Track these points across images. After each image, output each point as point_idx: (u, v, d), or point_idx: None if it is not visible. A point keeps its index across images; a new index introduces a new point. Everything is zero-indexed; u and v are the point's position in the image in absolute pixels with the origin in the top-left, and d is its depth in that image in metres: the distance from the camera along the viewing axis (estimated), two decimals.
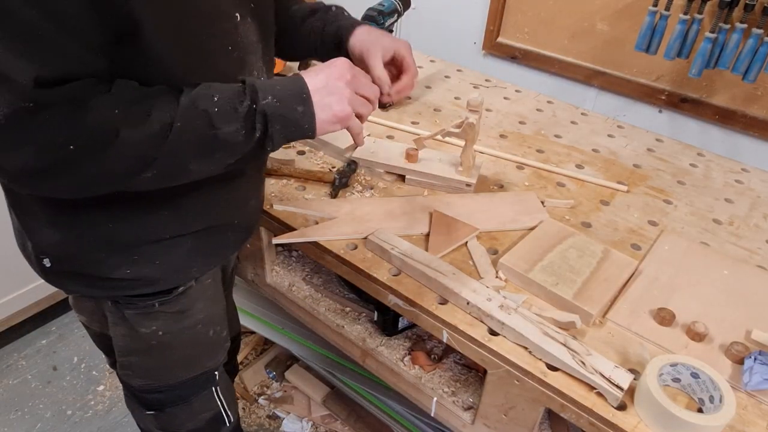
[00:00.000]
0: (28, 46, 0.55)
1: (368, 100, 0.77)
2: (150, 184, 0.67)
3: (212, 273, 0.92)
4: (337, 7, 0.97)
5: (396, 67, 0.92)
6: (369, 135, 1.23)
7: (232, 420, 1.08)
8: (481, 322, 0.85)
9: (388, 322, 1.07)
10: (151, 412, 0.98)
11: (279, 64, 1.48)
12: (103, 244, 0.76)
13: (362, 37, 0.91)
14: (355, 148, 0.84)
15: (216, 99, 0.64)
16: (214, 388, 1.01)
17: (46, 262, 0.79)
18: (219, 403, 1.03)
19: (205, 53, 0.68)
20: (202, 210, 0.80)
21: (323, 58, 0.89)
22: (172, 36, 0.63)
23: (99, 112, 0.59)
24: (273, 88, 0.68)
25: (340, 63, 0.74)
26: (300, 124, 0.69)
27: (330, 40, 0.93)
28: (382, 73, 0.87)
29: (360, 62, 0.88)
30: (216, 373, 1.00)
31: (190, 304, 0.89)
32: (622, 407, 0.75)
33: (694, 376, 0.75)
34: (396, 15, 1.31)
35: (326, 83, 0.71)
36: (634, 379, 0.76)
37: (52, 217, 0.75)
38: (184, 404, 0.98)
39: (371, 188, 1.12)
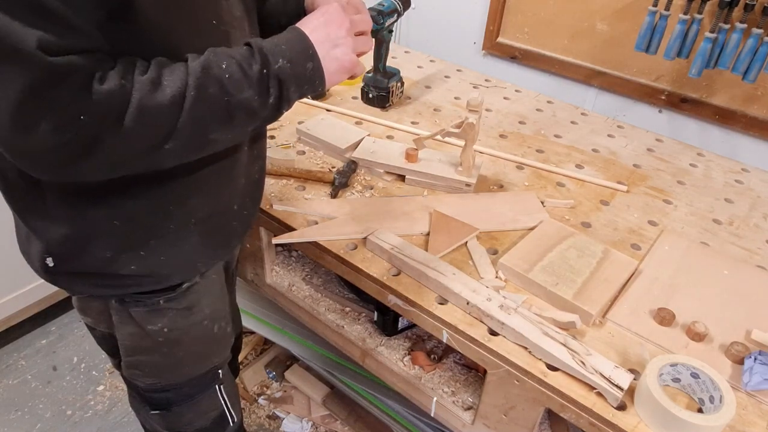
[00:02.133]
0: (35, 17, 0.54)
1: (365, 33, 0.78)
2: (176, 157, 0.67)
3: (216, 269, 0.92)
4: None
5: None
6: (369, 135, 1.23)
7: (236, 420, 1.08)
8: (481, 322, 0.85)
9: (388, 322, 1.07)
10: (157, 412, 0.98)
11: None
12: (109, 240, 0.76)
13: None
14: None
15: (224, 66, 0.64)
16: (218, 387, 1.01)
17: (50, 262, 0.78)
18: (223, 402, 1.03)
19: (192, 28, 0.68)
20: (200, 193, 0.80)
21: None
22: (162, 12, 0.63)
23: (111, 83, 0.59)
24: (281, 49, 0.68)
25: (334, 10, 0.73)
26: (312, 80, 0.70)
27: (293, 12, 0.90)
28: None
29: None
30: (221, 371, 1.00)
31: (196, 300, 0.89)
32: (622, 407, 0.75)
33: (694, 376, 0.75)
34: (396, 15, 1.31)
35: (328, 34, 0.71)
36: (634, 379, 0.76)
37: (58, 214, 0.74)
38: (191, 402, 0.98)
39: (371, 188, 1.12)
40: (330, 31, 0.72)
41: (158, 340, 0.87)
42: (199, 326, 0.91)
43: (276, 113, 0.71)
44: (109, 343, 0.94)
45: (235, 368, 1.38)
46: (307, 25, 0.72)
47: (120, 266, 0.78)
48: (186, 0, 0.66)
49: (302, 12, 0.87)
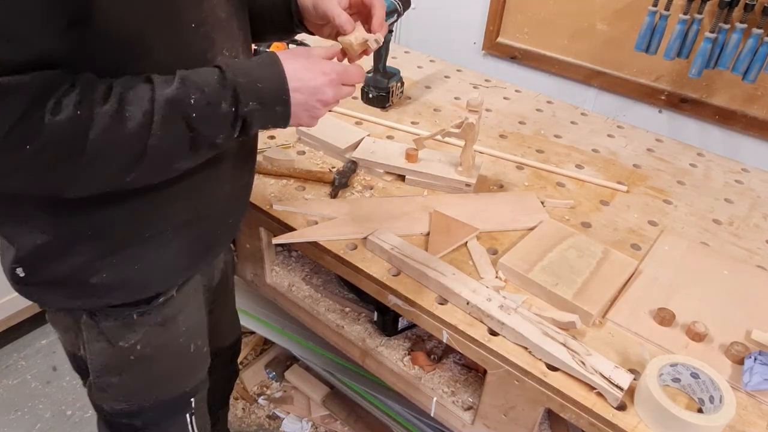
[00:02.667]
0: None
1: (353, 83, 0.75)
2: (138, 183, 0.65)
3: (194, 284, 0.88)
4: None
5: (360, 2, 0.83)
6: (369, 135, 1.23)
7: None
8: (481, 322, 0.85)
9: (388, 322, 1.07)
10: None
11: None
12: (82, 247, 0.72)
13: None
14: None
15: (193, 101, 0.62)
16: (189, 416, 0.94)
17: (20, 272, 0.74)
18: None
19: (167, 30, 0.63)
20: (181, 200, 0.76)
21: (282, 33, 0.88)
22: (130, 13, 0.58)
23: (65, 114, 0.55)
24: (255, 88, 0.65)
25: (315, 59, 0.71)
26: (276, 121, 0.70)
27: (282, 6, 0.86)
28: (346, 20, 0.78)
29: (316, 15, 0.81)
30: (193, 400, 0.94)
31: (172, 315, 0.84)
32: (622, 407, 0.75)
33: (694, 376, 0.75)
34: (396, 15, 1.31)
35: (308, 87, 0.69)
36: (634, 379, 0.76)
37: (34, 221, 0.70)
38: (156, 430, 0.91)
39: (371, 188, 1.12)
40: (312, 83, 0.69)
41: (130, 358, 0.82)
42: (174, 343, 0.86)
43: (236, 141, 0.70)
44: (78, 362, 0.88)
45: (234, 372, 1.36)
46: (291, 63, 0.69)
47: (92, 275, 0.73)
48: (161, 2, 0.62)
49: (293, 5, 0.84)
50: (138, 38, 0.61)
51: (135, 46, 0.61)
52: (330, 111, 0.77)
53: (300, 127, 1.23)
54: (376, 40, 0.78)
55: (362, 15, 0.82)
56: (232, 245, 1.20)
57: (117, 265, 0.74)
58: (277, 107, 0.68)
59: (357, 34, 0.77)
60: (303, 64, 0.69)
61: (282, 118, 0.69)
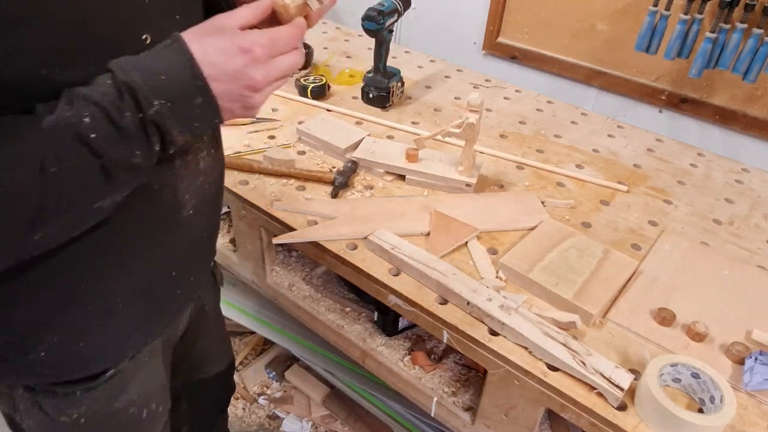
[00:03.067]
0: None
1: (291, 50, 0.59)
2: (54, 241, 0.54)
3: (151, 346, 0.77)
4: None
5: None
6: (369, 135, 1.23)
7: None
8: (482, 322, 0.85)
9: (388, 322, 1.07)
10: None
11: None
12: (9, 318, 0.61)
13: None
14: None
15: (88, 119, 0.49)
16: None
17: None
18: None
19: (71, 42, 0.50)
20: (126, 262, 0.64)
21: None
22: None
23: None
24: (157, 83, 0.51)
25: (229, 33, 0.55)
26: (203, 118, 0.55)
27: None
28: None
29: None
30: None
31: (121, 386, 0.74)
32: (622, 407, 0.75)
33: (695, 376, 0.75)
34: (396, 15, 1.31)
35: (227, 71, 0.54)
36: (635, 379, 0.76)
37: None
38: None
39: (371, 188, 1.12)
40: (233, 66, 0.54)
41: (73, 431, 0.73)
42: (124, 413, 0.76)
43: (165, 155, 0.57)
44: (16, 427, 0.77)
45: (231, 387, 1.25)
46: (198, 43, 0.54)
47: (26, 351, 0.63)
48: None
49: None
50: (20, 53, 0.48)
51: (21, 67, 0.49)
52: (276, 92, 0.64)
53: (299, 127, 1.24)
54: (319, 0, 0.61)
55: None
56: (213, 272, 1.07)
57: (54, 342, 0.64)
58: (196, 99, 0.53)
59: None
60: (214, 42, 0.54)
61: (209, 112, 0.55)
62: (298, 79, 1.41)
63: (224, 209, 1.34)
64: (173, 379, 0.98)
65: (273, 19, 0.61)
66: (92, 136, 0.50)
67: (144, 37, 0.56)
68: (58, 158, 0.49)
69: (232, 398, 1.29)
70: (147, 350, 0.77)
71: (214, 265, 1.00)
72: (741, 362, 0.80)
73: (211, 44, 0.54)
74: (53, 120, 0.49)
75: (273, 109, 1.35)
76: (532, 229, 1.02)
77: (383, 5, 1.27)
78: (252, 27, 0.58)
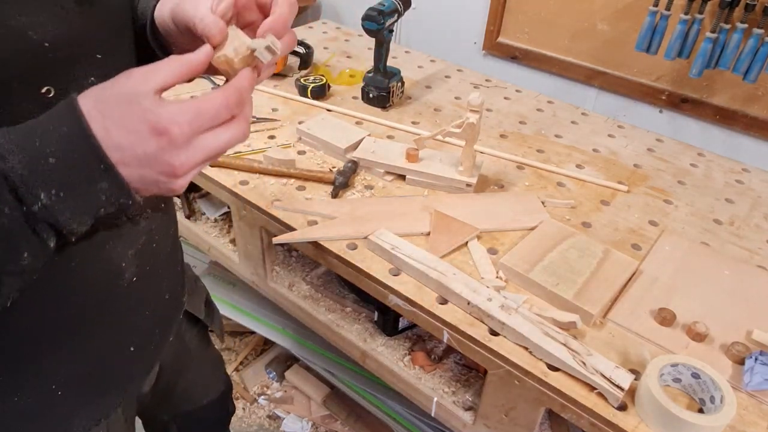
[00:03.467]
0: None
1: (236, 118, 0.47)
2: None
3: (113, 418, 0.68)
4: None
5: (259, 9, 0.53)
6: (369, 135, 1.23)
7: None
8: (482, 322, 0.85)
9: (388, 322, 1.07)
10: None
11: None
12: None
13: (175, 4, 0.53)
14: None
15: None
16: None
17: None
18: None
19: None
20: (67, 343, 0.55)
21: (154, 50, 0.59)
22: None
23: None
24: (44, 169, 0.40)
25: (141, 106, 0.42)
26: (111, 203, 0.44)
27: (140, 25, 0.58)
28: (212, 24, 0.48)
29: (177, 29, 0.53)
30: None
31: None
32: (622, 407, 0.75)
33: (695, 376, 0.75)
34: (396, 15, 1.31)
35: (135, 156, 0.42)
36: (635, 379, 0.76)
37: None
38: None
39: (371, 188, 1.12)
40: (143, 150, 0.42)
41: None
42: None
43: (66, 248, 0.47)
44: None
45: (231, 411, 1.21)
46: (99, 118, 0.42)
47: None
48: None
49: (147, 25, 0.56)
50: None
51: None
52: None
53: (300, 127, 1.24)
54: (269, 47, 0.48)
55: (262, 14, 0.53)
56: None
57: None
58: (99, 184, 0.42)
59: (236, 44, 0.48)
60: (121, 118, 0.42)
61: (119, 196, 0.43)
62: (298, 79, 1.41)
63: (224, 209, 1.34)
64: (158, 412, 0.94)
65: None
66: None
67: (45, 89, 0.46)
68: None
69: (232, 397, 1.28)
70: (102, 425, 0.66)
71: (203, 300, 0.93)
72: (741, 362, 0.80)
73: (116, 121, 0.41)
74: None
75: (273, 109, 1.35)
76: (532, 229, 1.02)
77: (383, 5, 1.27)
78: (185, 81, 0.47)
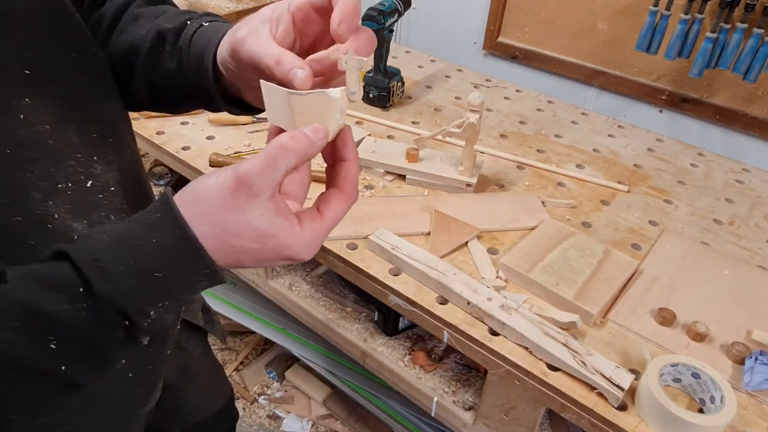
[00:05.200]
0: None
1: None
2: None
3: None
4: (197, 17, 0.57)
5: (319, 15, 0.48)
6: (369, 135, 1.22)
7: None
8: (482, 322, 0.85)
9: (388, 322, 1.07)
10: None
11: None
12: None
13: (230, 37, 0.50)
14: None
15: (54, 345, 0.37)
16: None
17: None
18: None
19: None
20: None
21: (190, 100, 0.58)
22: None
23: None
24: (150, 289, 0.39)
25: (218, 191, 0.41)
26: (201, 289, 0.44)
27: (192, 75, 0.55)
28: (280, 53, 0.44)
29: (244, 65, 0.48)
30: None
31: None
32: (622, 407, 0.75)
33: (695, 376, 0.75)
34: (396, 15, 1.31)
35: (253, 260, 0.43)
36: (635, 379, 0.76)
37: None
38: None
39: (372, 188, 1.12)
40: (261, 256, 0.43)
41: None
42: None
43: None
44: None
45: (235, 418, 1.20)
46: (210, 234, 0.40)
47: None
48: None
49: (208, 66, 0.52)
50: None
51: None
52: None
53: None
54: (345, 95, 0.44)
55: (323, 19, 0.47)
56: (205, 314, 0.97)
57: None
58: (201, 284, 0.42)
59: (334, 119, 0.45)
60: (236, 242, 0.41)
61: (213, 283, 0.43)
62: None
63: None
64: (167, 427, 0.93)
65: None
66: (62, 368, 0.38)
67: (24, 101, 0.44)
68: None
69: (234, 403, 1.27)
70: None
71: (201, 311, 0.92)
72: (741, 362, 0.80)
73: (231, 245, 0.41)
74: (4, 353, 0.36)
75: None
76: (532, 228, 1.02)
77: (383, 5, 1.27)
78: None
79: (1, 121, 0.43)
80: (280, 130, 0.47)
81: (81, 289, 0.37)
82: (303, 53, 0.48)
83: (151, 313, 0.40)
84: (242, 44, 0.47)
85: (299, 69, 0.43)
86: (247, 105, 0.56)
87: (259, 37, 0.45)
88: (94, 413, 0.54)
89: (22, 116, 0.45)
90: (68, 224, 0.48)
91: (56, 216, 0.47)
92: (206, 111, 0.62)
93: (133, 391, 0.59)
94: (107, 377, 0.43)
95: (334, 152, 0.49)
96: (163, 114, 1.28)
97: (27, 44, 0.47)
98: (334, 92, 0.43)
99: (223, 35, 0.51)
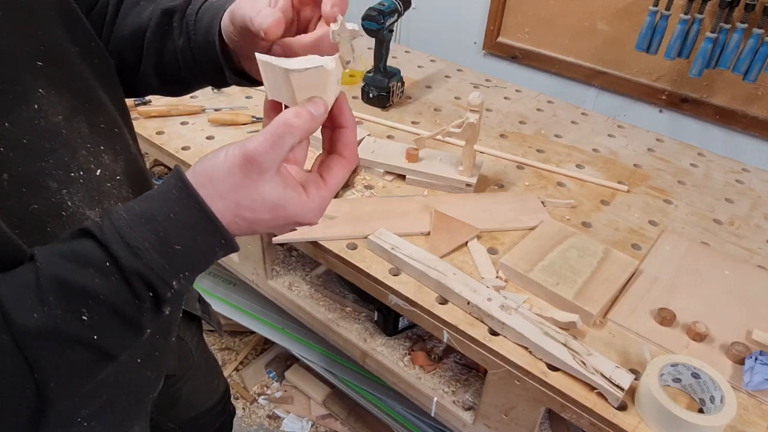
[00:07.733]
0: None
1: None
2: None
3: None
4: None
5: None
6: (369, 135, 1.22)
7: None
8: (482, 322, 0.85)
9: (388, 322, 1.07)
10: None
11: None
12: None
13: (231, 6, 0.54)
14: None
15: (86, 317, 0.40)
16: None
17: None
18: None
19: None
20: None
21: (201, 77, 0.61)
22: None
23: None
24: (177, 258, 0.42)
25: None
26: (219, 257, 0.47)
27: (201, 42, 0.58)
28: (267, 12, 0.48)
29: (243, 31, 0.53)
30: None
31: None
32: (622, 407, 0.75)
33: (695, 376, 0.75)
34: (396, 15, 1.31)
35: (241, 214, 0.45)
36: (635, 379, 0.76)
37: None
38: None
39: (371, 188, 1.12)
40: (270, 225, 0.47)
41: None
42: None
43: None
44: None
45: (231, 414, 1.21)
46: (228, 209, 0.44)
47: None
48: None
49: (213, 37, 0.55)
50: None
51: None
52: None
53: None
54: (348, 61, 0.49)
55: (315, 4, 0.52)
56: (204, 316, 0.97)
57: None
58: (218, 254, 0.46)
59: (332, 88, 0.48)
60: (249, 213, 0.45)
61: (227, 252, 0.47)
62: None
63: None
64: (165, 421, 0.94)
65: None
66: (94, 337, 0.41)
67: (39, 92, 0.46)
68: (45, 361, 0.39)
69: (231, 398, 1.28)
70: None
71: (197, 302, 0.93)
72: (741, 362, 0.80)
73: (245, 218, 0.45)
74: (40, 325, 0.38)
75: None
76: (532, 228, 1.02)
77: (383, 5, 1.27)
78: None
79: (19, 112, 0.45)
80: (276, 104, 0.50)
81: (108, 264, 0.40)
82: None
83: (174, 283, 0.43)
84: (239, 9, 0.51)
85: (269, 14, 0.47)
86: (252, 78, 0.60)
87: (254, 3, 0.49)
88: (117, 395, 0.58)
89: (37, 107, 0.47)
90: (82, 212, 0.50)
91: (70, 204, 0.49)
92: (213, 87, 0.66)
93: (144, 376, 0.62)
94: (136, 348, 0.47)
95: (332, 119, 0.52)
96: (164, 114, 1.28)
97: (39, 36, 0.49)
98: (330, 64, 0.46)
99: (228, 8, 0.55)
